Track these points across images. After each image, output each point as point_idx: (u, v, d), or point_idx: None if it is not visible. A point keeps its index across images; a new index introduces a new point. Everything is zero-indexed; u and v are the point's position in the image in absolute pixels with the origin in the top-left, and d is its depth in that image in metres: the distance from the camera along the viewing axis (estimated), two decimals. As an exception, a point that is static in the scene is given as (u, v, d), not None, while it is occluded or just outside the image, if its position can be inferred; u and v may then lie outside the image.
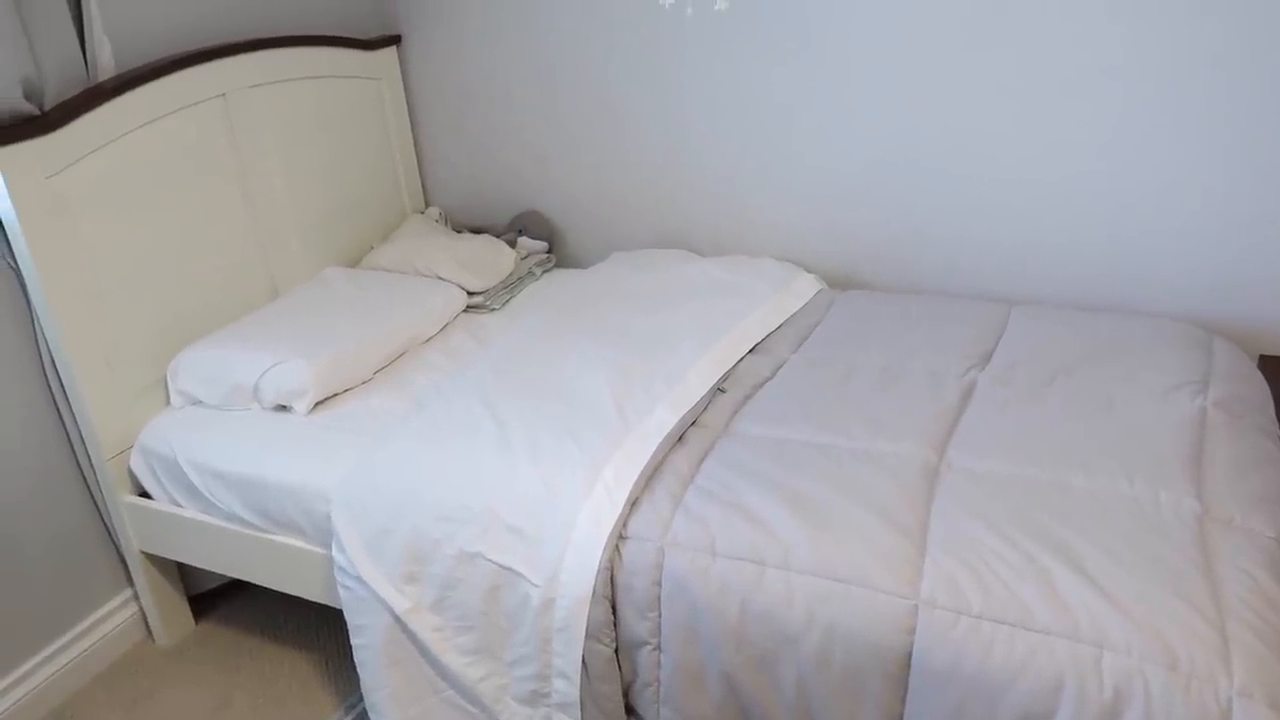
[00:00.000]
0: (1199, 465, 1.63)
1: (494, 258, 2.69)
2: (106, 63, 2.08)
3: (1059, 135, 2.23)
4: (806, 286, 2.44)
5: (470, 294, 2.59)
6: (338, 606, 1.88)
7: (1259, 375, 1.97)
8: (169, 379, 2.19)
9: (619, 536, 1.61)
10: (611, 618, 1.61)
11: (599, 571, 1.58)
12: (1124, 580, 1.38)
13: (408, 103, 2.99)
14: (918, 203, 2.44)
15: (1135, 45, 2.08)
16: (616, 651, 1.64)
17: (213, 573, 2.25)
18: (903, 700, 1.43)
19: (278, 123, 2.50)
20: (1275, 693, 1.23)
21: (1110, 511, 1.52)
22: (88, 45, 2.04)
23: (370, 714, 1.86)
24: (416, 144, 3.05)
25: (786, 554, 1.51)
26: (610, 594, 1.60)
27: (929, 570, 1.44)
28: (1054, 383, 1.90)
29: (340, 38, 2.69)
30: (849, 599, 1.45)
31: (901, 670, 1.41)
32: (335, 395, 2.14)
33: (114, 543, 2.27)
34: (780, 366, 2.07)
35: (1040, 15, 2.14)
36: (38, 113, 1.91)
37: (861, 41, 2.34)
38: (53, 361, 2.04)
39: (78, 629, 2.22)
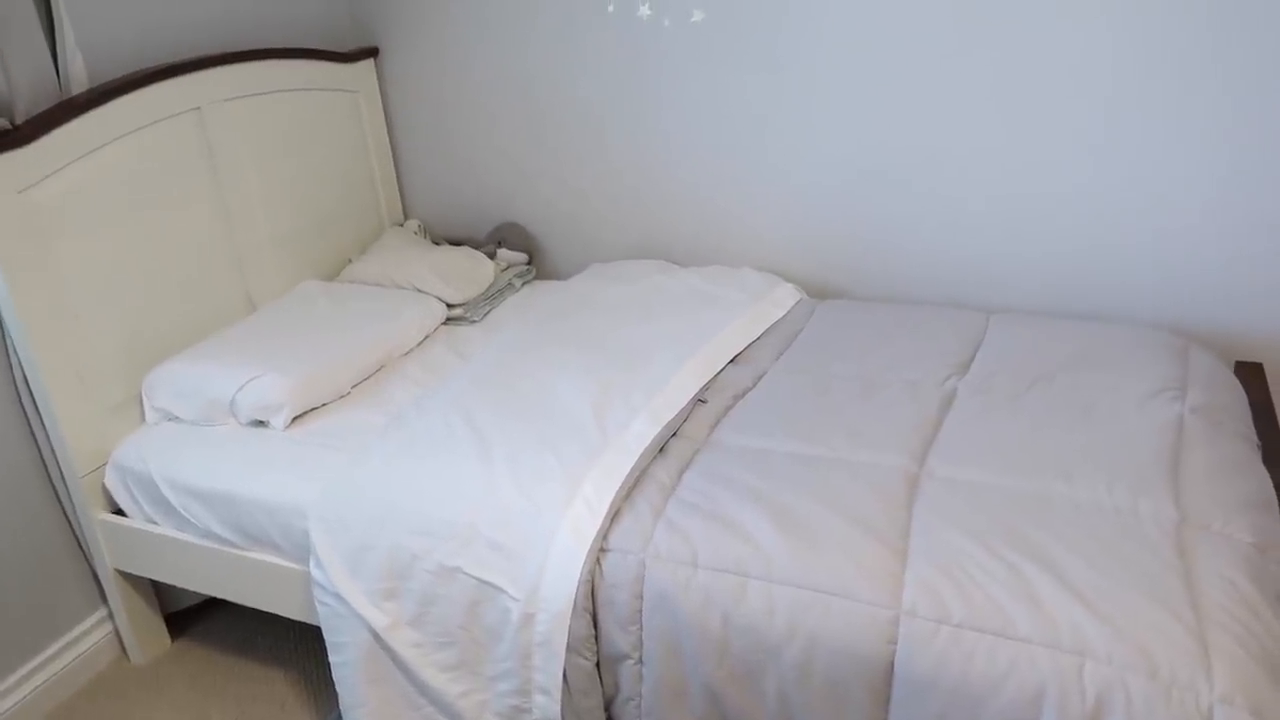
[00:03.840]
0: (1177, 472, 1.63)
1: (473, 270, 2.68)
2: (79, 76, 2.06)
3: (1035, 147, 2.24)
4: (786, 296, 2.44)
5: (450, 306, 2.57)
6: (316, 624, 1.86)
7: (1235, 381, 1.99)
8: (144, 395, 2.16)
9: (600, 549, 1.60)
10: (593, 631, 1.60)
11: (580, 585, 1.57)
12: (1105, 588, 1.38)
13: (385, 115, 2.98)
14: (895, 213, 2.45)
15: (1109, 61, 2.10)
16: (598, 665, 1.62)
17: (189, 590, 2.23)
18: (885, 711, 1.42)
19: (254, 136, 2.48)
20: (1256, 699, 1.23)
21: (1090, 519, 1.53)
22: (60, 58, 2.02)
23: (349, 732, 1.84)
24: (395, 156, 3.04)
25: (768, 565, 1.50)
26: (591, 607, 1.59)
27: (910, 580, 1.44)
28: (1033, 391, 1.91)
29: (317, 50, 2.68)
30: (831, 610, 1.44)
31: (884, 681, 1.41)
32: (313, 410, 2.12)
33: (88, 561, 2.23)
34: (761, 377, 2.07)
35: (1018, 28, 2.15)
36: (9, 127, 1.89)
37: (838, 53, 2.35)
38: (24, 378, 2.01)
39: (51, 649, 2.19)
